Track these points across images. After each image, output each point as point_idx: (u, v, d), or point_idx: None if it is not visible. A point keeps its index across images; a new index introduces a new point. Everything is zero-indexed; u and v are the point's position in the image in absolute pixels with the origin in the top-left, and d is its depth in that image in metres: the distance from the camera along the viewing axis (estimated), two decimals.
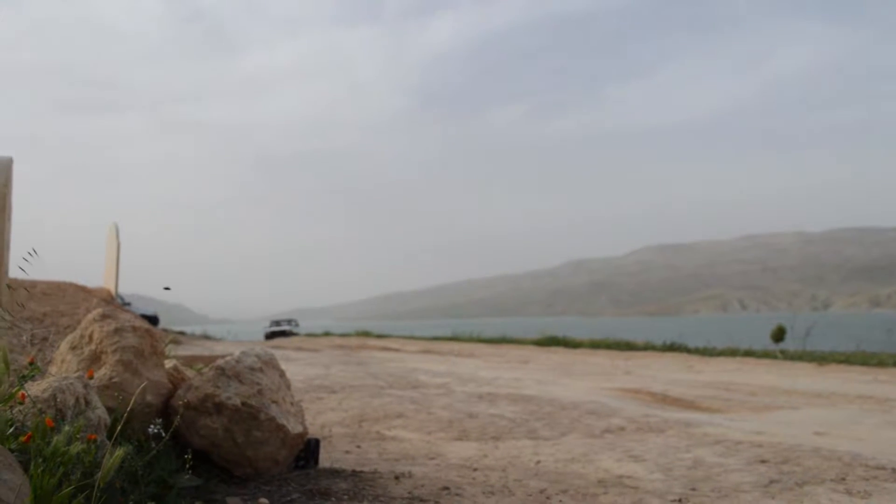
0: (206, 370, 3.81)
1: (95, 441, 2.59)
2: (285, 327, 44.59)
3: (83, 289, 9.81)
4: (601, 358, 15.08)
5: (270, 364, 3.95)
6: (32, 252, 3.27)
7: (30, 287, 8.43)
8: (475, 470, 4.61)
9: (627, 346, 17.11)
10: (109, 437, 2.86)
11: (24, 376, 2.76)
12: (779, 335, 14.70)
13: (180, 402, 3.51)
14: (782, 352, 13.97)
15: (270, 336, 40.95)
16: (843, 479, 4.28)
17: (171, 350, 5.33)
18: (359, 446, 5.44)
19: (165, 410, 3.57)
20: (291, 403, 3.96)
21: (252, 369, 3.77)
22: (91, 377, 3.11)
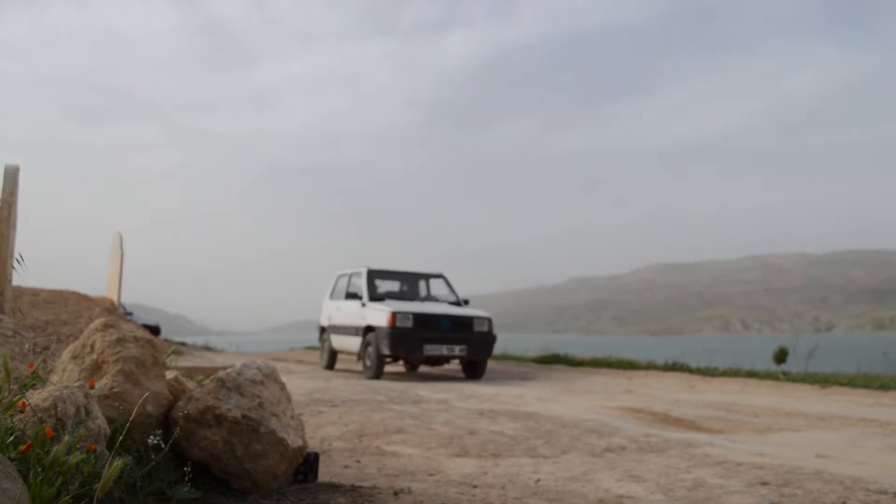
0: (206, 382, 3.80)
1: (95, 451, 2.59)
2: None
3: (86, 298, 9.83)
4: (603, 376, 15.01)
5: (271, 377, 3.94)
6: (19, 259, 3.29)
7: (33, 295, 8.45)
8: (475, 487, 4.58)
9: (629, 365, 17.02)
10: (109, 448, 2.86)
11: (25, 385, 2.77)
12: (781, 356, 14.60)
13: (180, 414, 3.50)
14: (784, 373, 13.90)
15: None
16: (844, 502, 4.24)
17: (172, 361, 5.32)
18: (358, 461, 5.42)
19: (166, 422, 3.56)
20: (292, 417, 3.94)
21: (253, 382, 3.76)
22: (92, 387, 3.10)
